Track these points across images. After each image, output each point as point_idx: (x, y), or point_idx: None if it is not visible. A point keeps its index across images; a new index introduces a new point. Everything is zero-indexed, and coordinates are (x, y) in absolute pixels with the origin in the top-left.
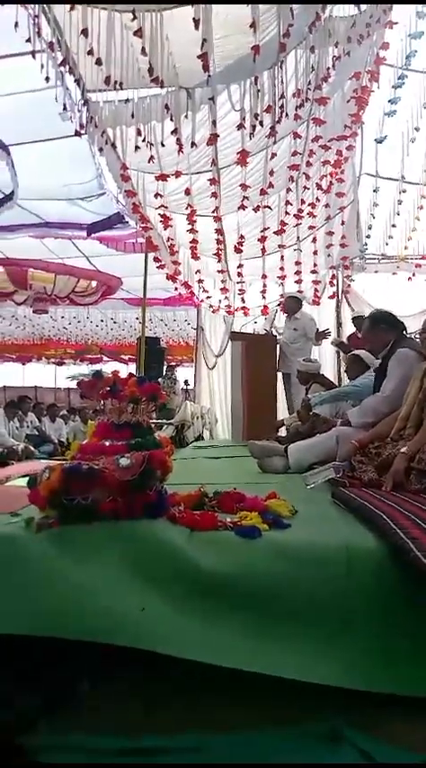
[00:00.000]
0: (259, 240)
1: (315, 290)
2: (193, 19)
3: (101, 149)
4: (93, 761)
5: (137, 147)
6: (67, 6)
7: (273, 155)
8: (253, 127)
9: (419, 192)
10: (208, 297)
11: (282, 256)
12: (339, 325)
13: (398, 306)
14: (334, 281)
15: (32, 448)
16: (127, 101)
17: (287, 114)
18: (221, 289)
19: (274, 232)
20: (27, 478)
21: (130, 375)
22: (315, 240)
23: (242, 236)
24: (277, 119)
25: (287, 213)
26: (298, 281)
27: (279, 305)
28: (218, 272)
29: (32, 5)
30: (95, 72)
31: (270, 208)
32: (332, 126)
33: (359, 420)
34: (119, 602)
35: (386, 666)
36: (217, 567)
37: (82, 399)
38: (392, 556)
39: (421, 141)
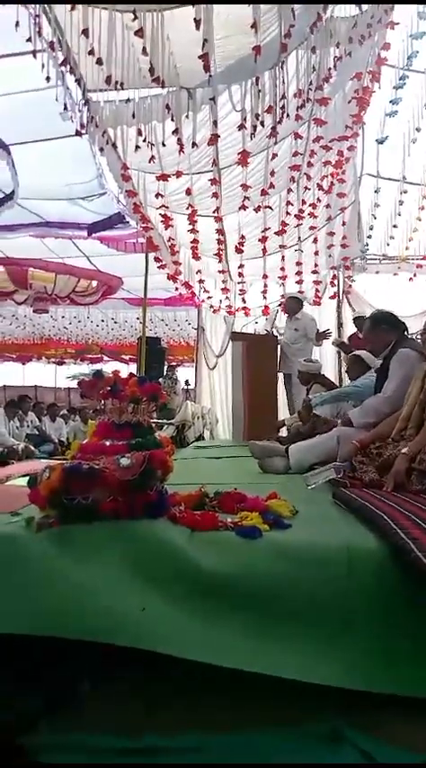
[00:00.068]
0: (260, 240)
1: (316, 290)
2: (194, 19)
3: (101, 149)
4: (94, 761)
5: (137, 147)
6: (68, 6)
7: (274, 155)
8: (254, 127)
9: (420, 193)
10: (209, 297)
11: (283, 257)
12: (340, 325)
13: (399, 306)
14: (335, 282)
15: (33, 447)
16: (127, 101)
17: (288, 115)
18: (222, 289)
19: (275, 232)
20: (27, 478)
21: (131, 375)
22: (316, 240)
23: (243, 237)
24: (278, 119)
25: (288, 213)
26: (299, 282)
27: (279, 305)
28: (219, 272)
29: (33, 5)
30: (96, 72)
31: (271, 208)
32: (333, 126)
33: (360, 420)
34: (120, 601)
35: (387, 667)
36: (218, 568)
37: (82, 399)
38: (393, 556)
39: (423, 142)
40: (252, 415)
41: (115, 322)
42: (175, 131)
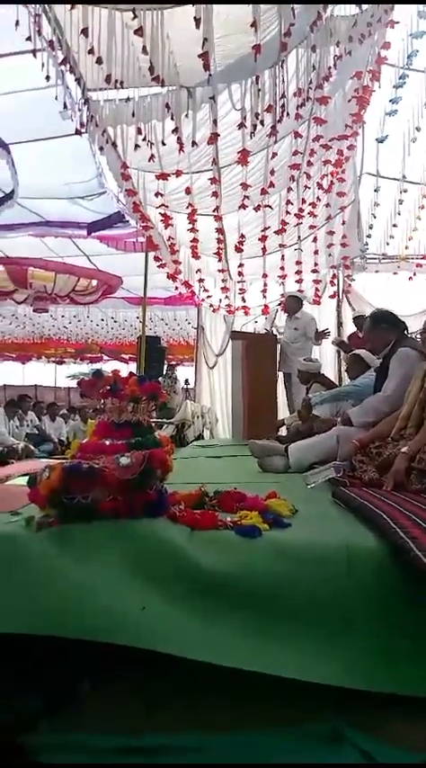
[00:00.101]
0: (259, 239)
1: (316, 289)
2: (194, 18)
3: (101, 148)
4: (94, 761)
5: (137, 146)
6: (68, 5)
7: (274, 154)
8: (254, 126)
9: (420, 192)
10: (209, 296)
11: (283, 256)
12: (339, 324)
13: (399, 305)
14: (335, 281)
15: (32, 447)
16: (127, 99)
17: (288, 113)
18: (222, 288)
19: (275, 231)
20: (27, 477)
21: (131, 374)
22: (315, 240)
23: (242, 236)
24: (278, 118)
25: (287, 212)
26: (299, 281)
27: (279, 304)
28: (219, 271)
29: (33, 5)
30: (96, 71)
31: (270, 207)
32: (333, 125)
33: (360, 419)
34: (120, 601)
35: (387, 666)
36: (218, 567)
37: (82, 398)
38: (392, 555)
39: (423, 141)
40: (251, 414)
41: (115, 321)
42: (175, 130)
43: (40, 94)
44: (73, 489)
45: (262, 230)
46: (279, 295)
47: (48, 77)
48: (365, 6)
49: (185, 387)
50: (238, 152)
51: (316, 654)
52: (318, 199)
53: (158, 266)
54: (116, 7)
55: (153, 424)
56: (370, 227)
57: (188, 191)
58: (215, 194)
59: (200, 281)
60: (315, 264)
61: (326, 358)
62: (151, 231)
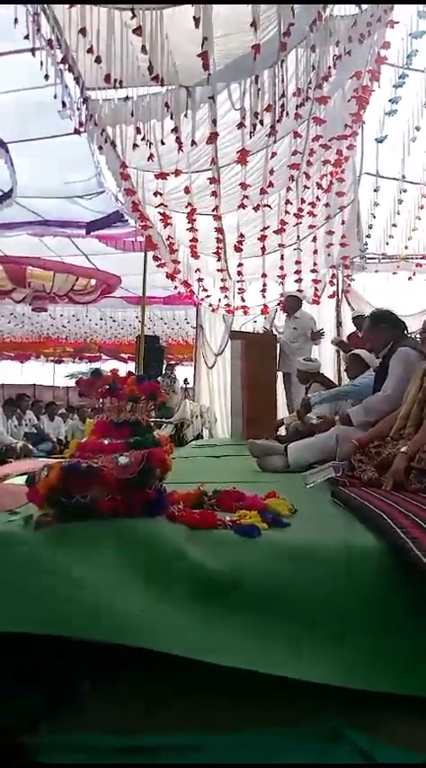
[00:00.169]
0: (259, 239)
1: (315, 289)
2: (194, 17)
3: (100, 147)
4: (94, 760)
5: (135, 146)
6: (67, 4)
7: (273, 154)
8: (254, 126)
9: (419, 192)
10: (208, 296)
11: (282, 255)
12: (339, 324)
13: (398, 305)
14: (334, 281)
15: (31, 446)
16: (126, 99)
17: (287, 113)
18: (221, 288)
19: (274, 231)
20: (26, 476)
21: (129, 373)
22: (315, 239)
23: (242, 235)
24: (277, 118)
25: (287, 212)
26: (298, 281)
27: (278, 304)
28: (218, 270)
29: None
30: (95, 70)
31: (270, 207)
32: (332, 125)
33: (360, 419)
34: (120, 600)
35: (386, 666)
36: (217, 566)
37: (80, 398)
38: (392, 555)
39: (422, 141)
40: (250, 413)
41: (114, 320)
42: (174, 129)
43: (39, 93)
44: (71, 488)
45: (262, 230)
46: (279, 295)
47: (46, 76)
48: (365, 6)
49: (184, 386)
50: (237, 151)
51: (316, 653)
52: (317, 198)
53: (157, 266)
54: (115, 6)
55: (152, 424)
56: (370, 227)
57: (187, 190)
58: (214, 194)
59: (199, 280)
60: (315, 264)
61: (326, 358)
62: (150, 230)
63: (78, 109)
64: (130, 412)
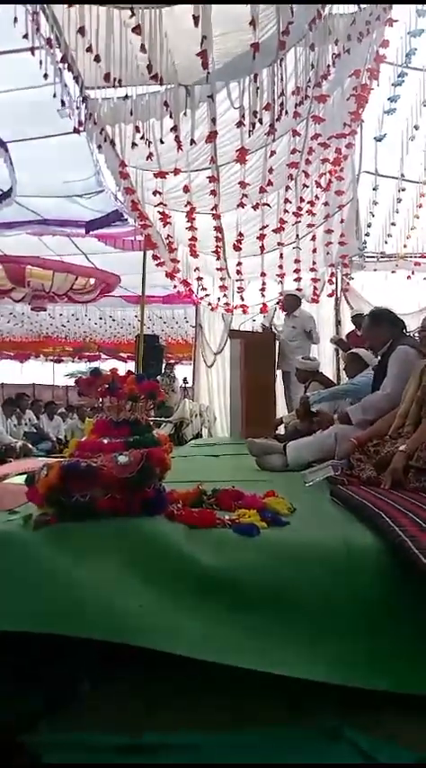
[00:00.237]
0: (258, 238)
1: (314, 287)
2: (193, 16)
3: (99, 146)
4: (94, 760)
5: (134, 144)
6: (66, 4)
7: (272, 152)
8: (253, 124)
9: (418, 191)
10: (207, 295)
11: (281, 254)
12: (338, 322)
13: (397, 304)
14: (333, 279)
15: (30, 445)
16: (126, 97)
17: (286, 112)
18: (220, 286)
19: (273, 230)
20: (25, 476)
21: (129, 373)
22: (314, 238)
23: (241, 234)
24: (276, 116)
25: (286, 211)
26: (297, 279)
27: (278, 303)
28: (217, 269)
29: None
30: (94, 69)
31: (269, 205)
32: (331, 124)
33: (359, 417)
34: (119, 599)
35: (386, 664)
36: (216, 565)
37: (80, 397)
38: (390, 554)
39: (421, 139)
40: (249, 412)
41: (113, 320)
42: (173, 128)
43: (39, 92)
44: (71, 488)
45: (261, 229)
46: (278, 293)
47: (46, 75)
48: (364, 5)
49: (183, 385)
50: (236, 150)
51: (315, 652)
52: (316, 197)
53: (156, 265)
54: (114, 5)
55: (151, 423)
56: (369, 226)
57: (186, 189)
58: (213, 192)
59: (199, 279)
60: (314, 263)
61: (325, 356)
62: (149, 229)
63: (77, 108)
64: (130, 411)
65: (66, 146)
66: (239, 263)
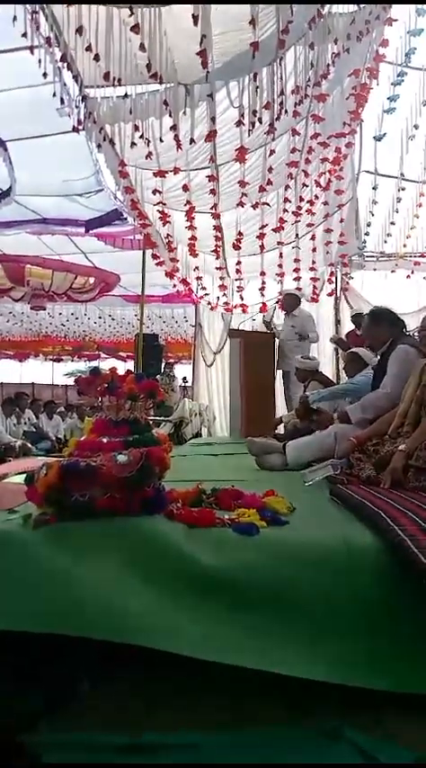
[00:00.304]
0: (257, 237)
1: (314, 287)
2: (192, 15)
3: (99, 145)
4: (94, 759)
5: (134, 144)
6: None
7: (272, 152)
8: (252, 123)
9: (418, 190)
10: (207, 294)
11: (281, 253)
12: (337, 322)
13: (397, 303)
14: (333, 279)
15: (30, 445)
16: (125, 96)
17: (286, 111)
18: (219, 286)
19: (273, 229)
20: (25, 475)
21: (128, 372)
22: (313, 237)
23: (240, 233)
24: (276, 116)
25: (285, 210)
26: (297, 279)
27: (277, 302)
28: (217, 268)
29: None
30: (93, 68)
31: (268, 205)
32: (331, 123)
33: (358, 416)
34: (119, 599)
35: (386, 664)
36: (215, 564)
37: (79, 396)
38: (390, 553)
39: (421, 139)
40: (249, 411)
41: (112, 319)
42: (173, 127)
43: (38, 91)
44: (70, 487)
45: (260, 228)
46: (277, 293)
47: (45, 74)
48: (363, 4)
49: (183, 384)
50: (236, 149)
51: (315, 651)
52: (316, 196)
53: (156, 264)
54: (113, 4)
55: (150, 422)
56: (368, 225)
57: (185, 188)
58: (212, 192)
59: (198, 278)
60: (313, 262)
61: (324, 356)
62: (149, 229)
63: (77, 107)
64: (129, 410)
65: (65, 145)
66: (239, 263)
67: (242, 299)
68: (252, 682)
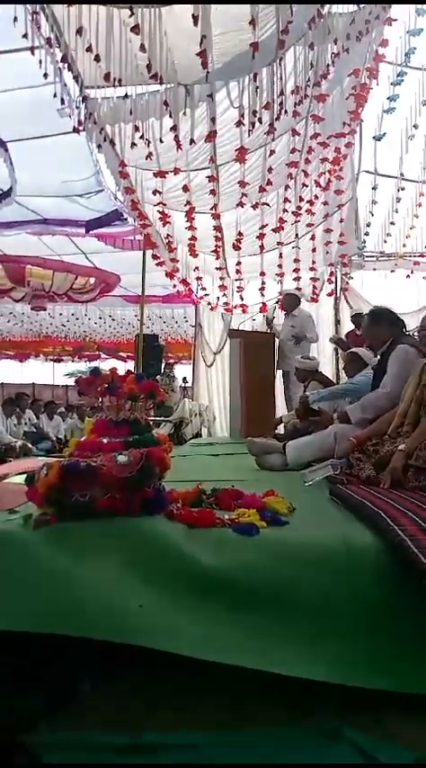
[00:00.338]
0: (257, 237)
1: (314, 287)
2: (192, 15)
3: (99, 146)
4: (94, 759)
5: (134, 144)
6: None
7: (272, 152)
8: (252, 124)
9: (417, 190)
10: (207, 294)
11: (281, 254)
12: (337, 322)
13: (396, 303)
14: (333, 279)
15: (30, 445)
16: (125, 97)
17: (285, 111)
18: (219, 286)
19: (272, 229)
20: (25, 476)
21: (129, 372)
22: (313, 237)
23: (240, 234)
24: (275, 116)
25: (285, 210)
26: (297, 279)
27: (277, 302)
28: (217, 269)
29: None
30: (94, 68)
31: (268, 205)
32: (330, 123)
33: (358, 416)
34: (119, 599)
35: (386, 664)
36: (215, 564)
37: (80, 396)
38: (390, 553)
39: (420, 138)
40: (249, 412)
41: (113, 319)
42: (173, 128)
43: (38, 92)
44: (71, 487)
45: (260, 228)
46: (277, 293)
47: (45, 75)
48: (363, 4)
49: (183, 385)
50: (236, 150)
51: (315, 651)
52: (316, 197)
53: (156, 264)
54: (113, 5)
55: (151, 422)
56: (368, 225)
57: (186, 188)
58: (212, 192)
59: (198, 278)
60: (313, 262)
61: (324, 356)
62: (149, 229)
63: (77, 107)
64: (129, 410)
65: (65, 145)
66: (238, 263)
67: (242, 299)
68: (252, 682)
